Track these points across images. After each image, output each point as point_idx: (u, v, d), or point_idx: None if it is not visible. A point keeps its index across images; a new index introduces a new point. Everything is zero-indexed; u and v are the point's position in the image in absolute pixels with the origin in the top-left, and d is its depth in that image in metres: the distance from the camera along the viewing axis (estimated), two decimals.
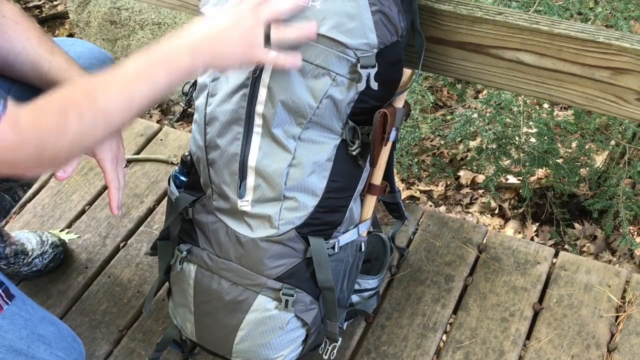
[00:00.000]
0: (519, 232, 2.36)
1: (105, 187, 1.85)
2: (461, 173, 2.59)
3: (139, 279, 1.62)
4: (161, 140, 2.00)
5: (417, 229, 1.71)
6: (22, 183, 1.41)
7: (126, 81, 0.93)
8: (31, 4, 3.62)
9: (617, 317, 1.50)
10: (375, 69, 1.08)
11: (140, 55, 0.94)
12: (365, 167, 1.23)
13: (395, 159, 1.90)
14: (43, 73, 1.16)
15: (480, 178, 2.53)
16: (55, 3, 3.64)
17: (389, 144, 1.27)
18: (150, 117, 2.96)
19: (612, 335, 1.47)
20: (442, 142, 2.59)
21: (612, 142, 2.22)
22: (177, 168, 1.35)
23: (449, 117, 2.53)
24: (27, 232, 1.63)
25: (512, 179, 2.52)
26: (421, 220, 1.73)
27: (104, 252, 1.68)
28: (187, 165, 1.31)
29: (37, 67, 1.16)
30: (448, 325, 1.51)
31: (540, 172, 2.46)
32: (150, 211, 1.78)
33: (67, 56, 1.17)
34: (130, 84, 0.93)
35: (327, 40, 1.07)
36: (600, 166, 2.30)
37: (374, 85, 1.09)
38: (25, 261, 1.57)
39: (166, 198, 1.42)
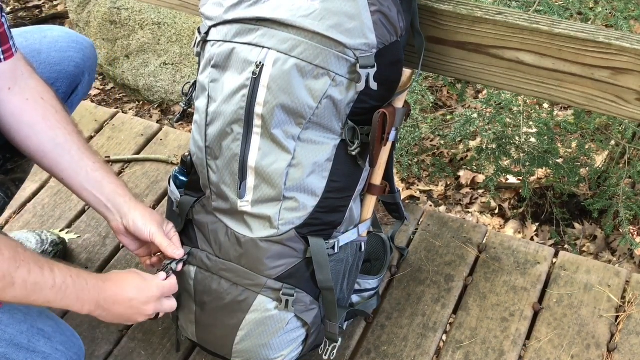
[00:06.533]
0: (519, 232, 2.36)
1: None
2: (461, 173, 2.58)
3: None
4: (161, 140, 2.00)
5: (417, 229, 1.71)
6: (13, 178, 1.40)
7: (38, 286, 1.02)
8: (31, 4, 3.62)
9: (617, 317, 1.50)
10: (375, 69, 1.08)
11: (67, 276, 1.06)
12: (365, 167, 1.23)
13: (395, 159, 1.89)
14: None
15: (480, 178, 2.53)
16: (55, 3, 3.64)
17: (389, 144, 1.27)
18: (151, 117, 2.97)
19: (612, 335, 1.47)
20: (442, 142, 2.59)
21: (612, 142, 2.22)
22: (177, 168, 1.35)
23: (449, 117, 2.53)
24: (27, 232, 1.63)
25: (512, 179, 2.52)
26: (421, 220, 1.73)
27: (104, 252, 1.68)
28: (187, 166, 1.31)
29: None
30: (448, 325, 1.51)
31: (540, 172, 2.46)
32: None
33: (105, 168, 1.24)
34: (40, 290, 1.02)
35: (326, 40, 1.07)
36: (600, 166, 2.30)
37: (374, 85, 1.09)
38: None
39: (166, 198, 1.42)
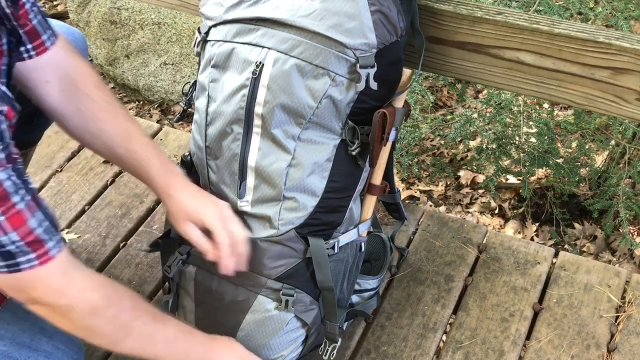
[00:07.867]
0: (519, 232, 2.36)
1: (105, 187, 1.85)
2: (461, 173, 2.58)
3: (138, 279, 1.61)
4: (161, 140, 1.99)
5: (417, 229, 1.71)
6: None
7: (155, 344, 1.05)
8: None
9: (617, 317, 1.50)
10: (375, 69, 1.08)
11: (178, 331, 1.08)
12: (365, 167, 1.22)
13: (395, 159, 1.89)
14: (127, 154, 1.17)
15: (480, 178, 2.53)
16: (55, 3, 3.64)
17: (389, 144, 1.27)
18: (151, 117, 2.97)
19: (612, 335, 1.47)
20: (442, 142, 2.59)
21: (612, 142, 2.22)
22: None
23: (449, 117, 2.53)
24: None
25: (512, 179, 2.52)
26: (421, 220, 1.73)
27: (104, 252, 1.68)
28: (187, 166, 1.31)
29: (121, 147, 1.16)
30: (448, 326, 1.51)
31: (540, 172, 2.46)
32: (150, 211, 1.78)
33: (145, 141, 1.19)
34: (154, 343, 1.04)
35: (326, 40, 1.07)
36: (600, 166, 2.30)
37: (374, 85, 1.09)
38: None
39: None
